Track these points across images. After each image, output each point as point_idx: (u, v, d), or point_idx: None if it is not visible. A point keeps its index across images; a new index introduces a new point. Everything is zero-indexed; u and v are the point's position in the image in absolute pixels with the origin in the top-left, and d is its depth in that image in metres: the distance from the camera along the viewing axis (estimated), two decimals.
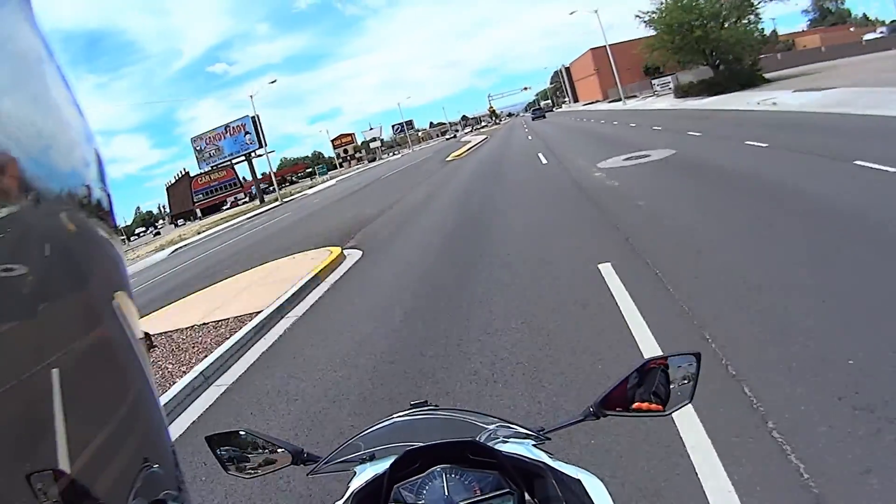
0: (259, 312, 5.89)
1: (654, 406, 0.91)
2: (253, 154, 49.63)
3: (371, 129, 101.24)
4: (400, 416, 1.06)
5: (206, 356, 4.93)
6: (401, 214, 11.22)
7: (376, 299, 5.53)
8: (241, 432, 1.01)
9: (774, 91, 20.00)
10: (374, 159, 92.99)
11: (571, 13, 41.26)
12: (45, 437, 0.33)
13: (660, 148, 10.81)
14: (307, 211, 20.95)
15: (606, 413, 0.93)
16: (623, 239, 5.26)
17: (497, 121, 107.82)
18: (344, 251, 8.57)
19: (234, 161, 50.94)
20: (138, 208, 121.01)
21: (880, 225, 3.95)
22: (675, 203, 6.25)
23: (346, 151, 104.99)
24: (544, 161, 13.89)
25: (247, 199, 78.66)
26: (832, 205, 4.71)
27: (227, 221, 37.80)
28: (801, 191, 5.46)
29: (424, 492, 0.78)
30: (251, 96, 40.81)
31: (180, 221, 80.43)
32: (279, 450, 1.00)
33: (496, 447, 0.83)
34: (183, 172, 67.81)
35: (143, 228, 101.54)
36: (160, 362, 5.15)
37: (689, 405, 0.93)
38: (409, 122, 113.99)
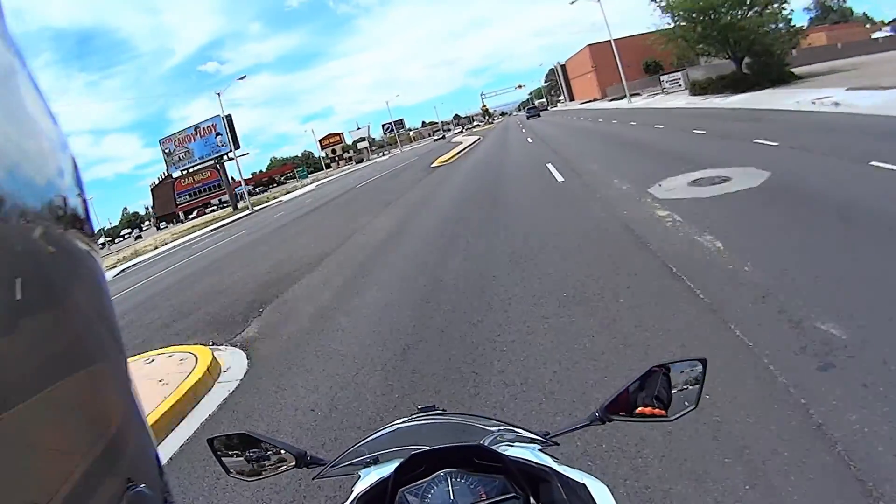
0: None
1: (657, 411, 0.90)
2: (225, 157, 45.57)
3: (358, 128, 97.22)
4: (405, 421, 1.05)
5: None
6: (347, 266, 7.42)
7: None
8: (244, 435, 0.99)
9: (818, 89, 16.61)
10: (361, 160, 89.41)
11: (572, 2, 37.50)
12: (25, 460, 0.32)
13: (735, 165, 7.13)
14: (258, 232, 17.17)
15: (612, 418, 0.93)
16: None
17: (490, 120, 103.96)
18: (222, 356, 4.84)
19: (204, 165, 46.68)
20: (125, 209, 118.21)
21: None
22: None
23: (333, 151, 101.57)
24: (559, 178, 10.01)
25: (241, 196, 76.00)
26: None
27: (193, 232, 34.12)
28: None
29: (429, 496, 0.77)
30: (218, 94, 36.83)
31: (163, 224, 77.40)
32: (282, 452, 0.98)
33: (502, 451, 0.83)
34: (166, 173, 64.65)
35: (129, 230, 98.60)
36: None
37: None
38: (400, 122, 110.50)
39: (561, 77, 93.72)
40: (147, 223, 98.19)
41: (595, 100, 70.25)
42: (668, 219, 5.44)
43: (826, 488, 1.78)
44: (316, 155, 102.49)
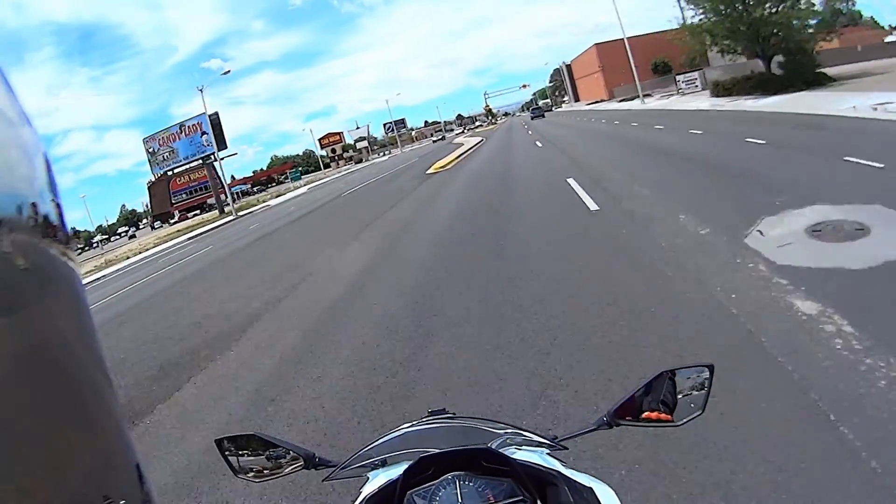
0: None
1: (663, 416, 0.91)
2: (212, 157, 43.06)
3: (357, 127, 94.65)
4: (414, 424, 1.06)
5: None
6: (273, 350, 4.83)
7: None
8: (253, 435, 1.00)
9: (865, 93, 14.04)
10: (360, 161, 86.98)
11: None
12: None
13: (855, 201, 4.56)
14: (219, 251, 14.61)
15: (619, 422, 0.93)
16: None
17: (493, 120, 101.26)
18: None
19: (189, 165, 44.11)
20: (124, 206, 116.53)
21: None
22: None
23: (333, 151, 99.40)
24: (591, 204, 7.13)
25: (226, 201, 74.44)
26: None
27: (172, 239, 31.70)
28: None
29: (437, 498, 0.77)
30: (200, 90, 34.31)
31: (157, 224, 75.60)
32: (290, 454, 0.98)
33: (509, 455, 0.83)
34: (161, 175, 62.97)
35: (126, 228, 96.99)
36: None
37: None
38: (401, 121, 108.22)
39: (566, 77, 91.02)
40: (145, 221, 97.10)
41: (602, 101, 67.58)
42: (825, 323, 2.81)
43: None
44: (317, 154, 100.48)
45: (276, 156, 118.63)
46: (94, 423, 0.41)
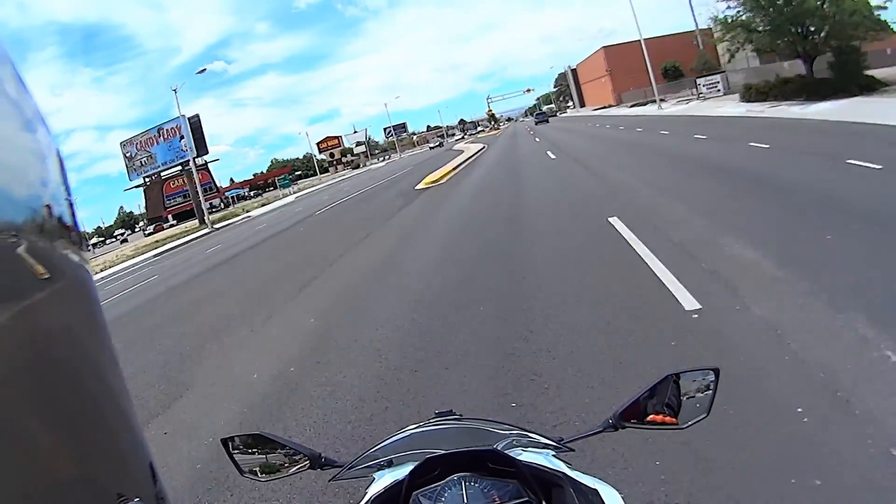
0: None
1: (668, 419, 0.91)
2: (191, 163, 39.98)
3: (355, 132, 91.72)
4: (421, 426, 1.06)
5: None
6: None
7: None
8: (259, 435, 0.99)
9: None
10: (357, 166, 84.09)
11: None
12: (12, 475, 0.31)
13: None
14: (151, 290, 11.47)
15: (624, 425, 0.93)
16: None
17: (496, 125, 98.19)
18: None
19: (167, 171, 41.01)
20: (122, 208, 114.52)
21: None
22: None
23: (332, 155, 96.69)
24: (687, 300, 3.52)
25: (221, 205, 71.90)
26: None
27: (138, 255, 28.71)
28: None
29: (443, 499, 0.77)
30: (174, 90, 31.23)
31: (148, 229, 72.87)
32: (297, 454, 0.98)
33: (515, 456, 0.83)
34: (154, 176, 60.63)
35: (122, 230, 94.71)
36: None
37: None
38: (402, 125, 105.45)
39: (572, 81, 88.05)
40: (141, 223, 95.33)
41: (609, 106, 64.56)
42: None
43: None
44: (317, 158, 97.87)
45: (275, 159, 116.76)
46: (107, 422, 0.41)
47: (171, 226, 54.42)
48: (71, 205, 0.41)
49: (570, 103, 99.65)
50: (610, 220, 6.16)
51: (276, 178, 58.37)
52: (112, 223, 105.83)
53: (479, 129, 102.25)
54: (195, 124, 39.35)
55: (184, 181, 68.10)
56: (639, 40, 65.80)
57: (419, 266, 6.52)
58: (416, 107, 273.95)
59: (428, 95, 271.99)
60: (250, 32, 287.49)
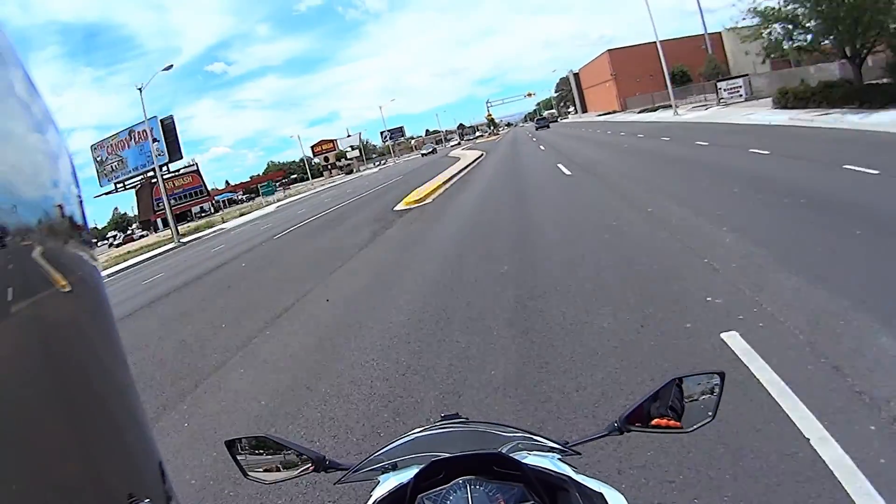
0: None
1: (672, 423, 0.90)
2: (165, 169, 36.89)
3: (349, 135, 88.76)
4: (426, 429, 1.05)
5: None
6: None
7: None
8: (264, 437, 0.99)
9: None
10: (350, 171, 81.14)
11: None
12: (22, 476, 0.31)
13: None
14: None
15: (630, 428, 0.93)
16: None
17: (496, 130, 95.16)
18: None
19: (138, 178, 37.80)
20: (116, 209, 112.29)
21: None
22: None
23: (326, 160, 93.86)
24: None
25: (211, 209, 69.21)
26: None
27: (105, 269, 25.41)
28: None
29: (448, 503, 0.77)
30: (140, 88, 28.13)
31: (138, 233, 69.94)
32: (301, 456, 0.97)
33: (520, 460, 0.83)
34: (145, 177, 58.14)
35: (115, 232, 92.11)
36: None
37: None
38: (399, 129, 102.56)
39: (574, 86, 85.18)
40: (134, 226, 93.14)
41: (614, 112, 61.66)
42: None
43: None
44: (312, 162, 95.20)
45: (272, 162, 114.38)
46: (117, 422, 0.41)
47: (142, 236, 51.40)
48: (81, 206, 0.41)
49: (572, 108, 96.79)
50: (724, 337, 3.01)
51: (259, 185, 55.29)
52: (105, 225, 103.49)
53: (477, 134, 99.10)
54: (168, 126, 36.23)
55: (174, 184, 65.68)
56: (644, 44, 63.19)
57: (354, 401, 3.38)
58: (416, 111, 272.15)
59: (428, 100, 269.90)
60: (251, 34, 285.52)
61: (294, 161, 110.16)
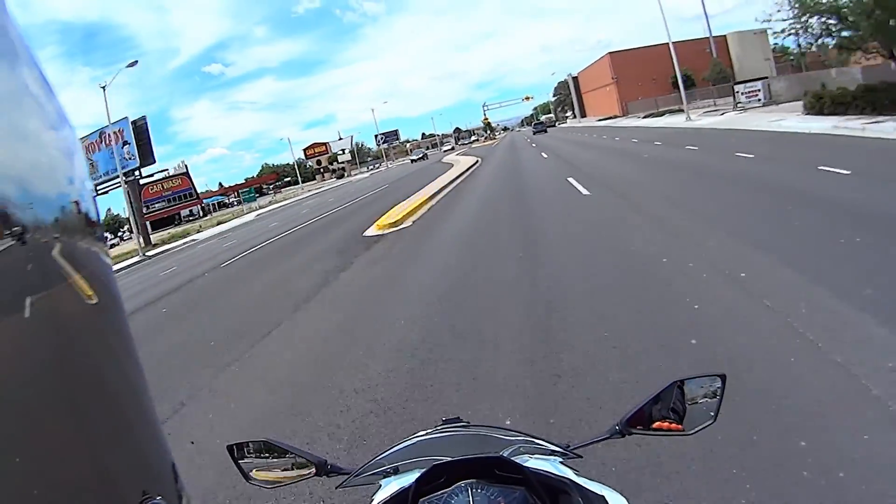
0: None
1: (674, 426, 0.90)
2: (136, 175, 34.23)
3: (340, 138, 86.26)
4: (428, 433, 1.04)
5: None
6: None
7: None
8: (265, 441, 0.98)
9: None
10: (341, 175, 78.70)
11: None
12: (37, 473, 0.31)
13: None
14: None
15: (631, 431, 0.92)
16: None
17: (492, 135, 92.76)
18: None
19: (108, 186, 34.96)
20: (109, 209, 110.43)
21: None
22: None
23: (319, 163, 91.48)
24: None
25: (200, 213, 67.04)
26: None
27: None
28: None
29: None
30: (103, 87, 25.58)
31: (125, 236, 67.35)
32: (303, 461, 0.97)
33: (522, 463, 0.82)
34: (132, 179, 56.06)
35: (106, 234, 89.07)
36: None
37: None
38: (394, 133, 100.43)
39: (573, 90, 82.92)
40: (125, 227, 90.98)
41: (615, 116, 59.40)
42: None
43: None
44: (303, 165, 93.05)
45: (266, 164, 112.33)
46: (131, 420, 0.41)
47: (113, 245, 48.75)
48: (95, 200, 0.41)
49: (569, 113, 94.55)
50: None
51: (239, 192, 52.85)
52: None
53: (473, 138, 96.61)
54: (141, 128, 33.56)
55: (163, 187, 63.27)
56: (647, 47, 61.11)
57: None
58: (413, 114, 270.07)
59: (426, 103, 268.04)
60: (248, 36, 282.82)
61: (289, 164, 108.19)
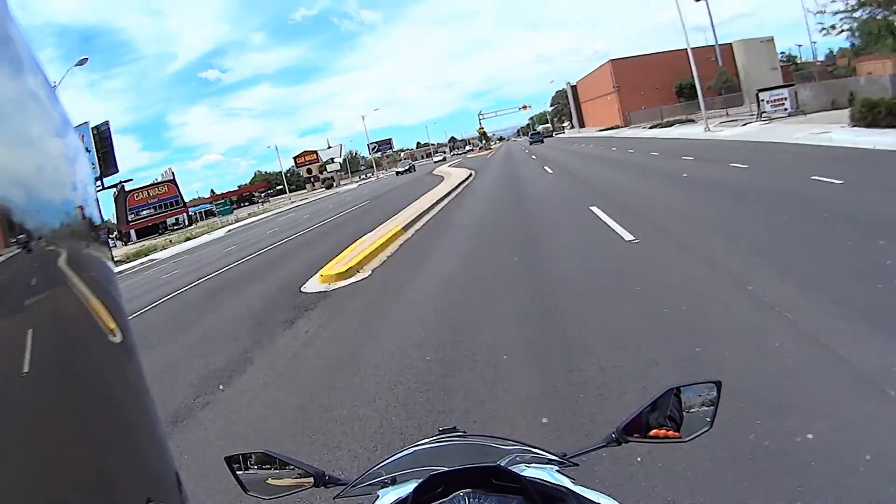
0: None
1: (670, 433, 0.90)
2: (98, 184, 31.13)
3: (329, 147, 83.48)
4: (425, 443, 1.05)
5: None
6: None
7: None
8: (263, 453, 0.99)
9: None
10: (330, 186, 75.98)
11: None
12: (39, 480, 0.31)
13: None
14: None
15: (628, 439, 0.93)
16: None
17: (488, 144, 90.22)
18: None
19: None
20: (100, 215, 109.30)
21: None
22: None
23: (309, 171, 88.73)
24: None
25: (186, 222, 64.40)
26: None
27: None
28: None
29: None
30: (55, 84, 22.47)
31: (114, 244, 64.23)
32: (301, 472, 0.98)
33: (519, 472, 0.82)
34: (119, 185, 54.05)
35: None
36: None
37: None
38: (387, 142, 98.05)
39: (571, 99, 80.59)
40: (114, 234, 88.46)
41: (616, 127, 56.89)
42: None
43: None
44: (292, 173, 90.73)
45: (259, 171, 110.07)
46: (133, 427, 0.41)
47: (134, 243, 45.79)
48: (98, 207, 0.41)
49: (567, 123, 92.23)
50: None
51: (214, 204, 50.07)
52: None
53: (467, 148, 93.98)
54: (104, 134, 30.58)
55: (148, 194, 60.66)
56: (650, 54, 58.66)
57: None
58: (411, 122, 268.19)
59: (422, 112, 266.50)
60: (246, 42, 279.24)
61: (279, 171, 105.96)
